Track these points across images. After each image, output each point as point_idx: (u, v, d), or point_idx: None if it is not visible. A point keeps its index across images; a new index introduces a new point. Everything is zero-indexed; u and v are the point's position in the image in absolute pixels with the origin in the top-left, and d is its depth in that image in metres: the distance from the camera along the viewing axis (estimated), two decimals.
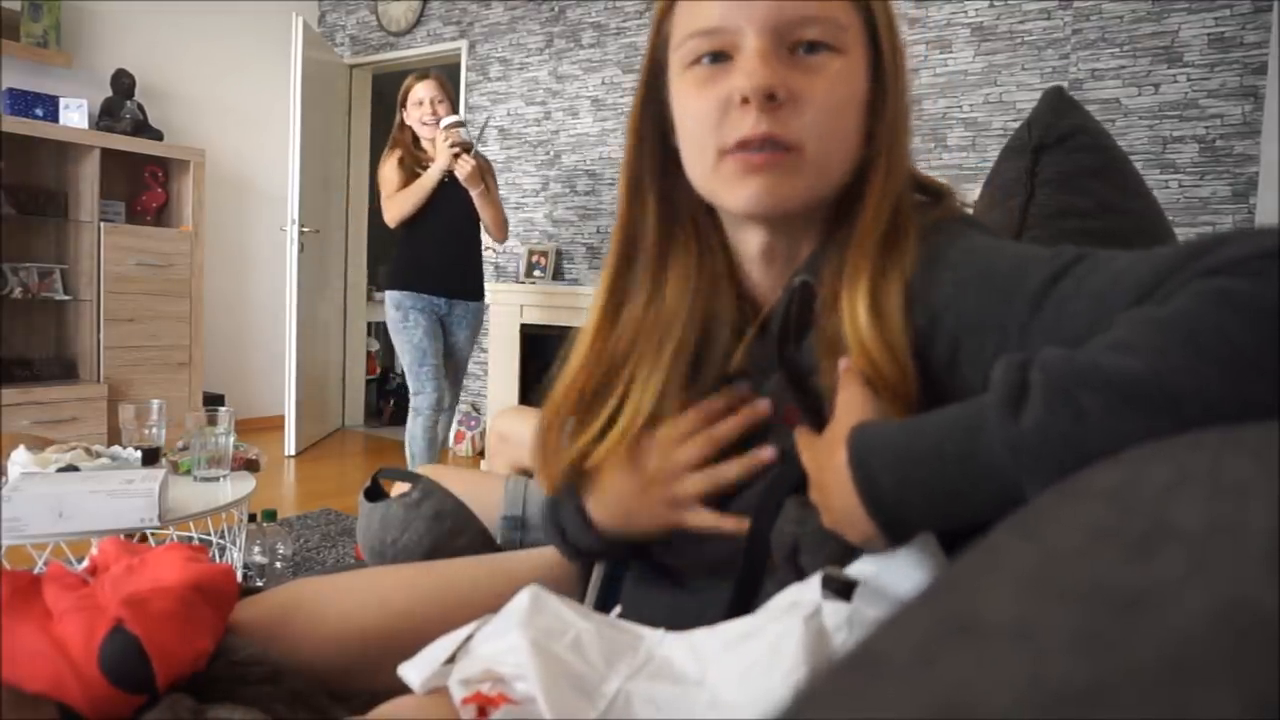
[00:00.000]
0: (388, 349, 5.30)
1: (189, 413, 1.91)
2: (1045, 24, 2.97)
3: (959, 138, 3.14)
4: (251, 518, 2.06)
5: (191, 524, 1.96)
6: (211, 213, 4.25)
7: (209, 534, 2.03)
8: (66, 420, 3.53)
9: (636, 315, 0.70)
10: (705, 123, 0.61)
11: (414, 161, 2.96)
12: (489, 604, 0.59)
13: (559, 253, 4.12)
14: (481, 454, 4.16)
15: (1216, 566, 0.23)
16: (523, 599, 0.54)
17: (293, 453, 4.07)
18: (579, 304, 3.60)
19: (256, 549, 2.05)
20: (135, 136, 3.88)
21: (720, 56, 0.61)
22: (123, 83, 3.91)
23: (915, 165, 0.67)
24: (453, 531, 0.97)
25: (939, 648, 0.24)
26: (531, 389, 3.78)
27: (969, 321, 0.55)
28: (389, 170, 2.95)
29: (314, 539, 2.79)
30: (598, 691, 0.47)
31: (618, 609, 0.65)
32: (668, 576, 0.72)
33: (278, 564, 2.08)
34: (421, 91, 2.91)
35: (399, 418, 4.73)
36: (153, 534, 1.78)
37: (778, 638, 0.47)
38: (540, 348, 3.79)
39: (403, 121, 2.97)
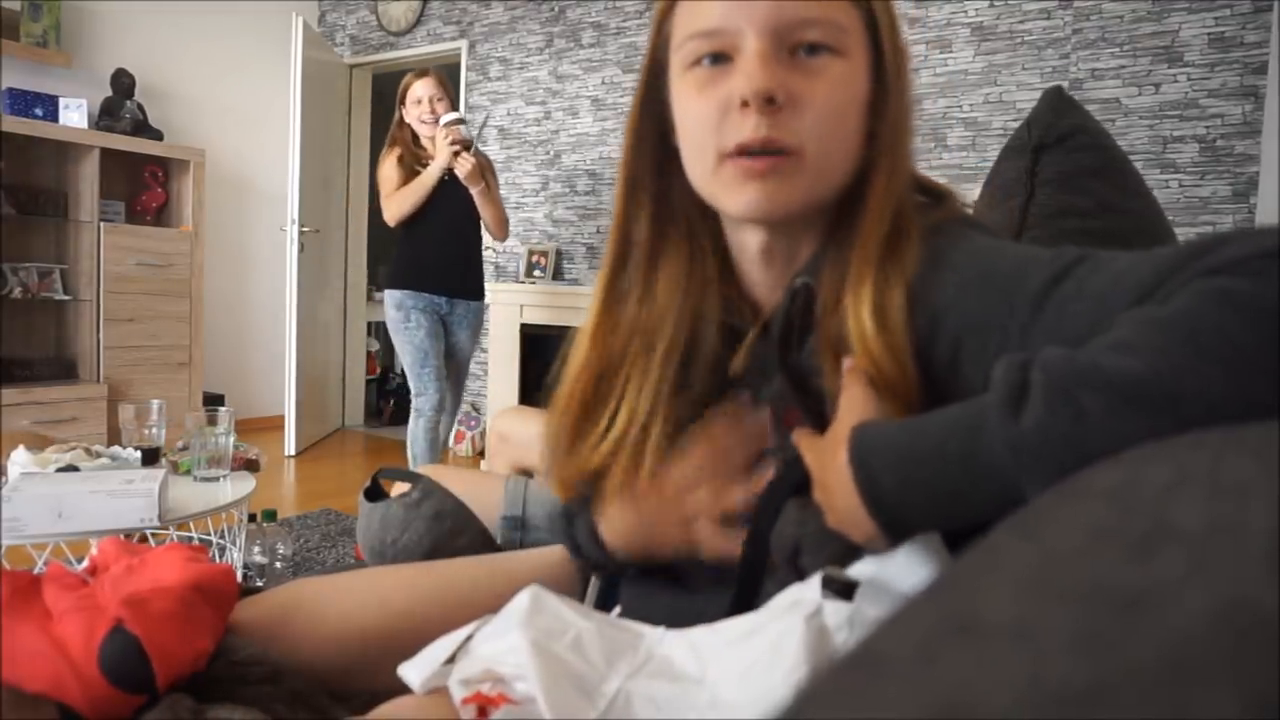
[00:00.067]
0: (388, 349, 5.29)
1: (189, 413, 1.91)
2: (1045, 24, 2.97)
3: (959, 138, 3.13)
4: (251, 518, 2.06)
5: (191, 524, 1.95)
6: (211, 212, 4.24)
7: (209, 534, 2.03)
8: (66, 420, 3.53)
9: (631, 314, 0.70)
10: (705, 125, 0.61)
11: (413, 160, 2.93)
12: (489, 604, 0.59)
13: (559, 253, 4.12)
14: (482, 454, 4.16)
15: (1217, 567, 0.23)
16: (523, 599, 0.54)
17: (293, 453, 4.07)
18: (579, 304, 3.59)
19: (256, 549, 2.05)
20: (135, 136, 3.88)
21: (720, 58, 0.61)
22: (122, 82, 3.90)
23: (916, 166, 0.67)
24: (453, 531, 0.97)
25: (939, 647, 0.24)
26: (531, 389, 3.77)
27: (970, 322, 0.55)
28: (388, 169, 2.92)
29: (314, 539, 2.79)
30: (598, 691, 0.47)
31: (618, 609, 0.65)
32: (668, 577, 0.72)
33: (278, 564, 2.08)
34: (420, 89, 2.88)
35: (399, 418, 4.73)
36: (153, 534, 1.78)
37: (779, 636, 0.47)
38: (540, 348, 3.79)
39: (402, 119, 2.94)
